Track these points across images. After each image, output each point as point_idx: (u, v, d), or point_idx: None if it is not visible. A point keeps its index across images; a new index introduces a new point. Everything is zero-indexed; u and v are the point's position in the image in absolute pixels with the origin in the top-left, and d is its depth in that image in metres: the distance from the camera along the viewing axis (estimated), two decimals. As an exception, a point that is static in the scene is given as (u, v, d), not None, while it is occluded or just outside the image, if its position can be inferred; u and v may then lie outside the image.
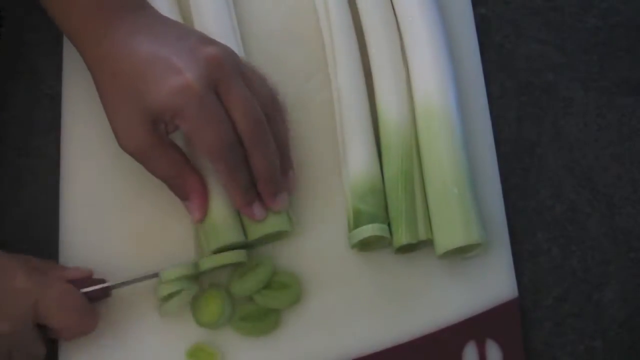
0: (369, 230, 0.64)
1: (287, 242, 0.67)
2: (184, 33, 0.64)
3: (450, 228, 0.63)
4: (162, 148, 0.62)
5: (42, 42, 0.76)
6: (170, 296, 0.64)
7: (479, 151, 0.68)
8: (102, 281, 0.64)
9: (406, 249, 0.65)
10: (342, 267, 0.66)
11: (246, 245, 0.66)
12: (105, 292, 0.64)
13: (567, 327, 0.65)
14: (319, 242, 0.67)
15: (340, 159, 0.68)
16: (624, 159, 0.69)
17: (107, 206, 0.69)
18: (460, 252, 0.64)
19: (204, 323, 0.65)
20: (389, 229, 0.65)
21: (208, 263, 0.64)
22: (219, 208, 0.65)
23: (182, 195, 0.65)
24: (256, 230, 0.65)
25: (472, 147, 0.67)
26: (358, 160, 0.66)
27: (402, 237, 0.64)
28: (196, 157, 0.65)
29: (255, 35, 0.73)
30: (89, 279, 0.64)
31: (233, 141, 0.61)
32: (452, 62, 0.68)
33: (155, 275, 0.64)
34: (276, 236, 0.66)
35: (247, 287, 0.64)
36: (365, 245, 0.66)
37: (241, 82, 0.62)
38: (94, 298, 0.63)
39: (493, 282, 0.65)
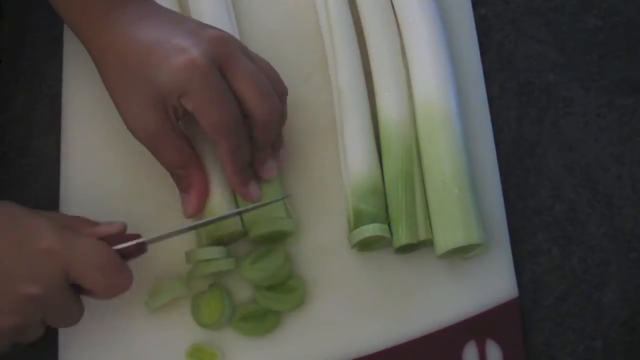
0: (369, 230, 0.64)
1: (287, 242, 0.67)
2: (185, 19, 0.64)
3: (450, 228, 0.63)
4: (171, 135, 0.63)
5: (42, 42, 0.76)
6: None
7: (479, 151, 0.68)
8: (137, 236, 0.61)
9: (406, 249, 0.65)
10: (342, 267, 0.66)
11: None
12: (140, 248, 0.61)
13: (567, 327, 0.65)
14: (319, 242, 0.67)
15: (340, 159, 0.68)
16: (624, 159, 0.69)
17: (107, 206, 0.69)
18: (460, 252, 0.64)
19: (204, 323, 0.65)
20: (389, 229, 0.65)
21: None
22: (221, 201, 0.65)
23: (183, 186, 0.65)
24: (257, 229, 0.65)
25: (472, 147, 0.67)
26: (358, 160, 0.66)
27: (402, 237, 0.64)
28: (201, 150, 0.66)
29: (255, 35, 0.73)
30: (122, 235, 0.61)
31: (238, 118, 0.61)
32: (452, 62, 0.68)
33: (191, 227, 0.63)
34: (276, 236, 0.66)
35: (260, 273, 0.64)
36: (365, 245, 0.66)
37: (246, 58, 0.62)
38: (128, 255, 0.60)
39: (493, 282, 0.65)
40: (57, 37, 0.75)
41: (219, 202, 0.65)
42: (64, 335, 0.66)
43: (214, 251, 0.64)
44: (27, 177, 0.72)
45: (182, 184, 0.65)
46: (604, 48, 0.72)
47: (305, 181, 0.69)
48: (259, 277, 0.64)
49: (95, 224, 0.62)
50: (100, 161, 0.71)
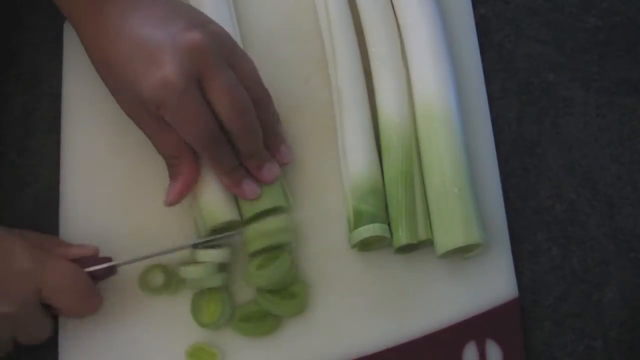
0: (369, 230, 0.64)
1: (287, 246, 0.67)
2: (175, 15, 0.63)
3: (450, 228, 0.63)
4: (163, 129, 0.63)
5: (42, 42, 0.76)
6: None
7: (479, 151, 0.68)
8: (108, 259, 0.64)
9: (406, 249, 0.65)
10: (342, 267, 0.66)
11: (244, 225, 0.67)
12: (111, 271, 0.64)
13: (567, 327, 0.65)
14: (319, 242, 0.67)
15: (340, 159, 0.68)
16: (624, 159, 0.69)
17: (107, 205, 0.69)
18: (460, 252, 0.64)
19: (204, 323, 0.65)
20: (389, 229, 0.65)
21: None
22: (214, 189, 0.65)
23: (172, 175, 0.65)
24: (251, 209, 0.65)
25: (472, 147, 0.67)
26: (358, 160, 0.66)
27: (402, 237, 0.64)
28: None
29: (255, 35, 0.73)
30: (94, 257, 0.63)
31: (214, 132, 0.62)
32: (452, 62, 0.68)
33: (158, 254, 0.64)
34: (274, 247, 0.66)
35: (265, 280, 0.64)
36: (365, 246, 0.66)
37: (226, 69, 0.61)
38: (99, 276, 0.63)
39: (493, 282, 0.65)
40: (57, 37, 0.75)
41: (215, 196, 0.65)
42: (64, 336, 0.66)
43: (203, 270, 0.64)
44: (27, 176, 0.72)
45: (173, 172, 0.65)
46: (604, 48, 0.72)
47: (305, 181, 0.69)
48: (264, 284, 0.64)
49: (69, 245, 0.64)
50: (100, 161, 0.71)
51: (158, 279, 0.66)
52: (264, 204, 0.65)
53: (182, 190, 0.65)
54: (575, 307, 0.66)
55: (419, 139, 0.66)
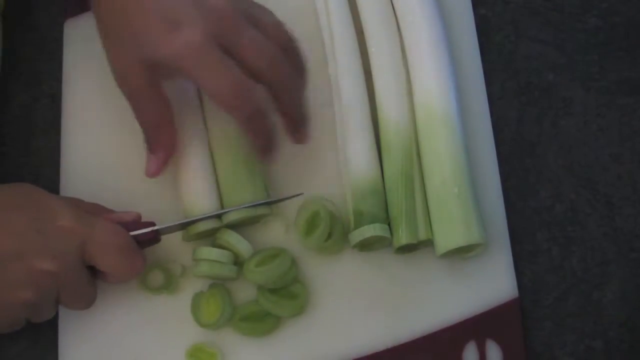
0: (369, 230, 0.64)
1: (287, 242, 0.67)
2: None
3: (450, 228, 0.63)
4: (154, 94, 0.62)
5: (42, 42, 0.76)
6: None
7: (479, 151, 0.68)
8: (152, 224, 0.63)
9: (406, 249, 0.65)
10: (342, 267, 0.66)
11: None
12: (155, 237, 0.63)
13: (567, 327, 0.65)
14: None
15: (340, 160, 0.68)
16: (624, 159, 0.69)
17: (107, 205, 0.69)
18: (460, 252, 0.64)
19: (204, 323, 0.65)
20: (389, 229, 0.65)
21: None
22: (204, 195, 0.65)
23: (151, 146, 0.64)
24: (234, 212, 0.65)
25: (472, 147, 0.67)
26: (358, 160, 0.66)
27: (402, 237, 0.64)
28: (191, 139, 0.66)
29: (255, 35, 0.72)
30: (137, 223, 0.63)
31: (245, 86, 0.60)
32: (452, 62, 0.68)
33: (206, 217, 0.64)
34: (256, 219, 0.67)
35: (264, 276, 0.64)
36: (365, 246, 0.66)
37: (250, 28, 0.61)
38: (143, 242, 0.63)
39: (493, 282, 0.65)
40: (57, 37, 0.75)
41: (202, 196, 0.65)
42: (65, 335, 0.66)
43: (222, 254, 0.64)
44: (27, 177, 0.72)
45: (152, 143, 0.64)
46: (604, 48, 0.72)
47: (305, 182, 0.69)
48: (262, 280, 0.64)
49: (111, 211, 0.64)
50: (100, 161, 0.71)
51: (158, 278, 0.66)
52: (247, 212, 0.65)
53: (162, 162, 0.64)
54: (575, 307, 0.66)
55: (419, 139, 0.66)
